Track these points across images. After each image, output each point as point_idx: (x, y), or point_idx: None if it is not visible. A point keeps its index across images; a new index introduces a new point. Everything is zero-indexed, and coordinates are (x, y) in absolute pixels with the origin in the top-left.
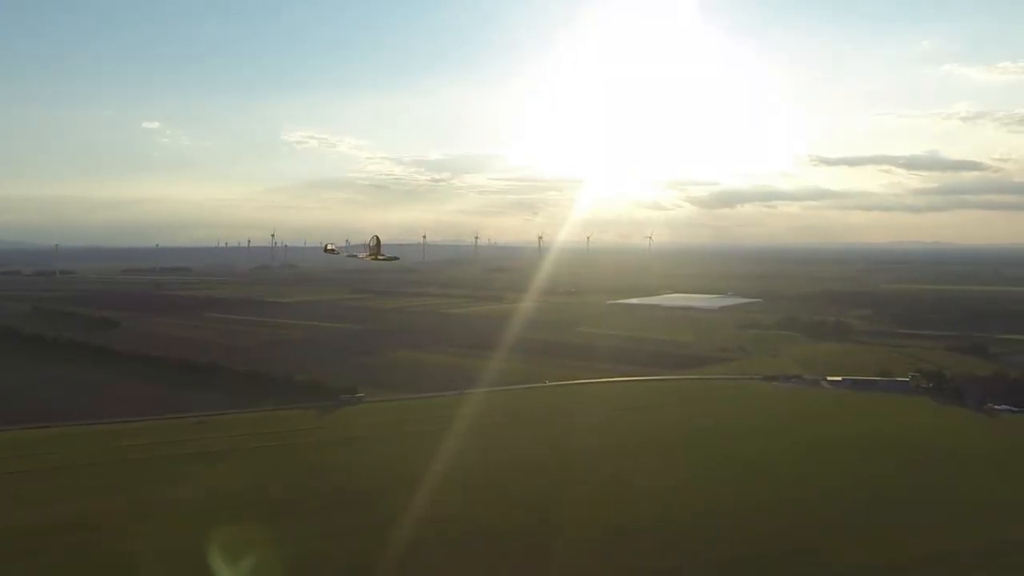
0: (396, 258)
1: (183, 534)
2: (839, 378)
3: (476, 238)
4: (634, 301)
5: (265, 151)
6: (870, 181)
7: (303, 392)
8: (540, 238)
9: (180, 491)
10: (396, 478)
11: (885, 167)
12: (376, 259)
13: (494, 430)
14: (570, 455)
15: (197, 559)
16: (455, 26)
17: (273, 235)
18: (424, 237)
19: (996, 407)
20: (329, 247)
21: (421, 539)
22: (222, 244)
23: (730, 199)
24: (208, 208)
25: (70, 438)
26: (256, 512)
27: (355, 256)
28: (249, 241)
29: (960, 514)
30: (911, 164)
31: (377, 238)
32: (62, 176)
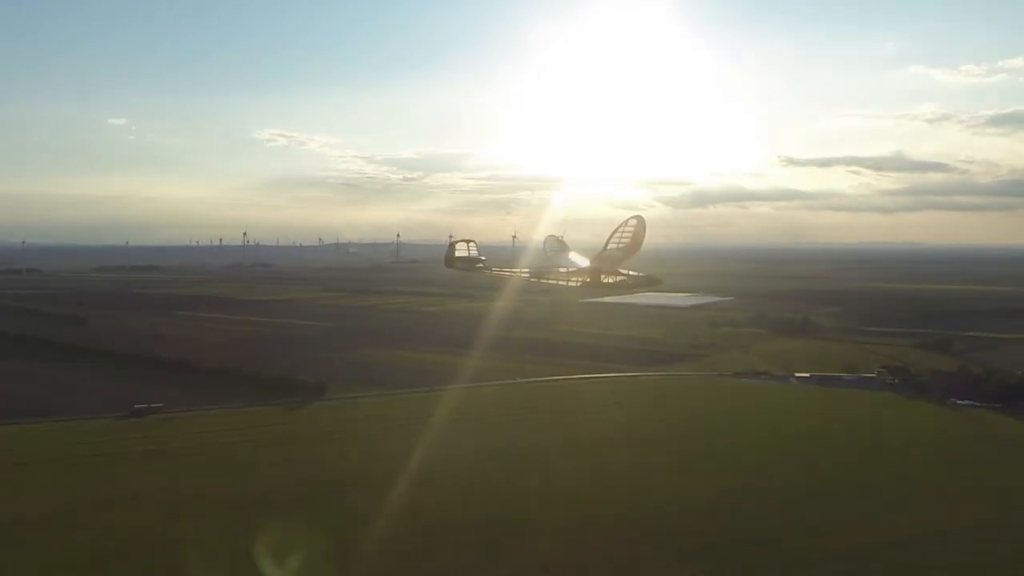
0: (658, 280)
1: (145, 529)
2: (807, 374)
3: (451, 237)
4: (607, 299)
5: (235, 149)
6: (839, 182)
7: (274, 389)
8: (514, 237)
9: (145, 486)
10: (364, 473)
11: (854, 168)
12: (600, 283)
13: (464, 425)
14: (542, 449)
15: (159, 552)
16: (427, 25)
17: (245, 234)
18: (398, 236)
19: (959, 401)
20: (460, 253)
21: (388, 532)
22: (193, 243)
23: (703, 199)
24: (178, 206)
25: (32, 435)
26: (218, 507)
27: (547, 279)
28: (221, 240)
29: (918, 502)
30: (879, 165)
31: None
32: (28, 174)
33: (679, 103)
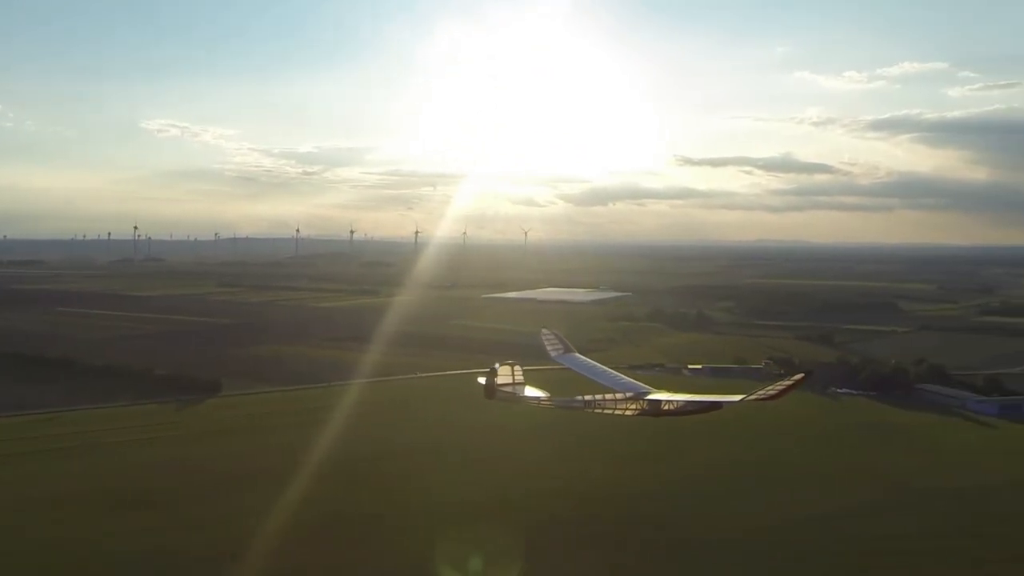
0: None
1: (16, 529)
2: (699, 366)
3: (352, 232)
4: (510, 295)
5: (123, 139)
6: (732, 181)
7: (164, 387)
8: (417, 233)
9: (29, 487)
10: (255, 469)
11: (746, 168)
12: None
13: (359, 420)
14: (434, 442)
15: (46, 552)
16: (326, 17)
17: (136, 227)
18: (298, 231)
19: (838, 390)
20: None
21: (276, 527)
22: (79, 237)
23: (602, 197)
24: (62, 198)
25: None
26: (105, 506)
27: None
28: (109, 234)
29: (802, 484)
30: (768, 166)
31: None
32: None
33: (579, 102)
